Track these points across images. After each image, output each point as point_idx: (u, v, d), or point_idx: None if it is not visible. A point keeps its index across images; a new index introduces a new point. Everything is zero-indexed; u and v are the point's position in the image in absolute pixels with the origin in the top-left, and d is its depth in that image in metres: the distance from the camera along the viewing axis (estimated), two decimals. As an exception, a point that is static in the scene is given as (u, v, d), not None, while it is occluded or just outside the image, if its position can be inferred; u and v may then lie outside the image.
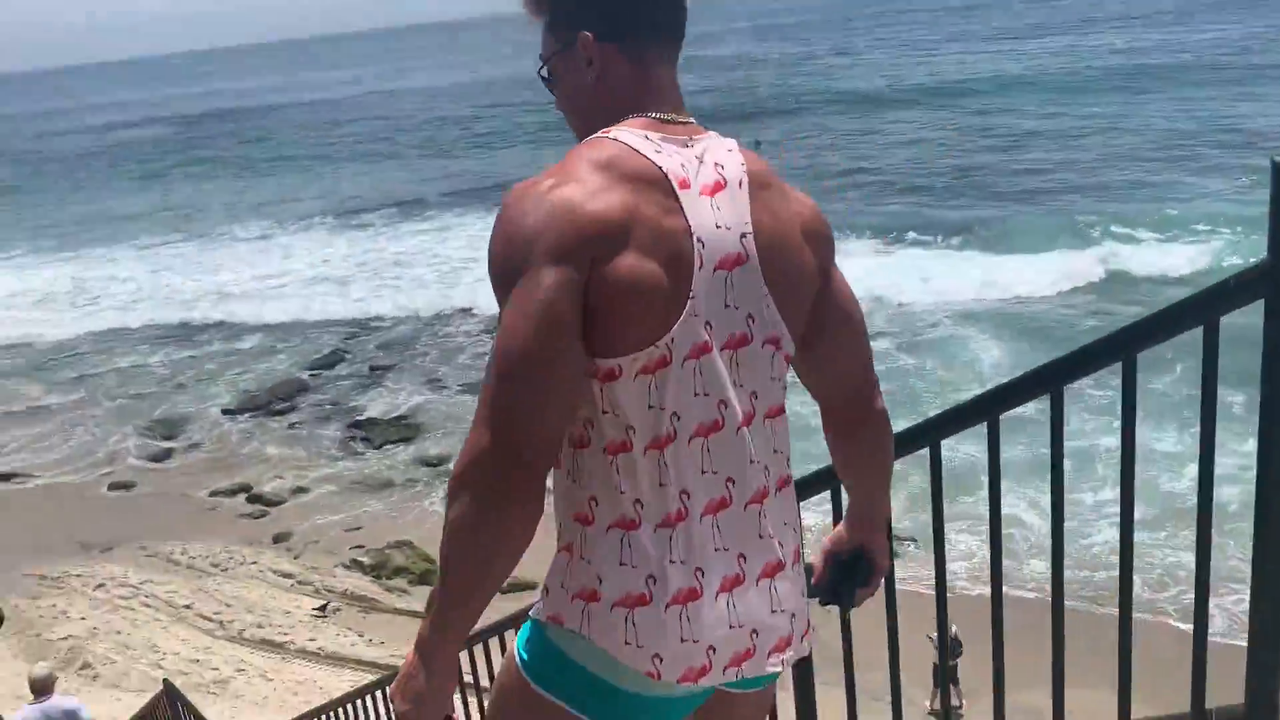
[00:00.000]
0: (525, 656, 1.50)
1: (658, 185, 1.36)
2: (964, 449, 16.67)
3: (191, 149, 78.79)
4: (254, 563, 20.92)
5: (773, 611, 1.47)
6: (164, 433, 27.43)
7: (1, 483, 24.96)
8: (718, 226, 1.38)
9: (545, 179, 1.35)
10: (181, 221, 50.80)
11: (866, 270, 30.70)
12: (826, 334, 1.52)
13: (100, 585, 19.85)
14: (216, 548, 21.20)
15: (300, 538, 21.88)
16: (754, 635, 1.44)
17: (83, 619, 18.63)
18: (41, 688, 7.80)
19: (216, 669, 17.11)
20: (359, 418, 28.13)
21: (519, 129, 67.09)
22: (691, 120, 1.48)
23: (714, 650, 1.40)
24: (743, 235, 1.40)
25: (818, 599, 1.72)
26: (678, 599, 1.37)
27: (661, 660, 1.37)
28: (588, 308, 1.31)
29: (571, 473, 1.44)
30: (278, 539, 21.85)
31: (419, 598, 19.10)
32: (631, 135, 1.40)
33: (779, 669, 1.50)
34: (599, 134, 1.41)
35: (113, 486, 24.38)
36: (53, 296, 40.10)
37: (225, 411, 28.58)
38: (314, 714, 4.49)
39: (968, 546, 14.67)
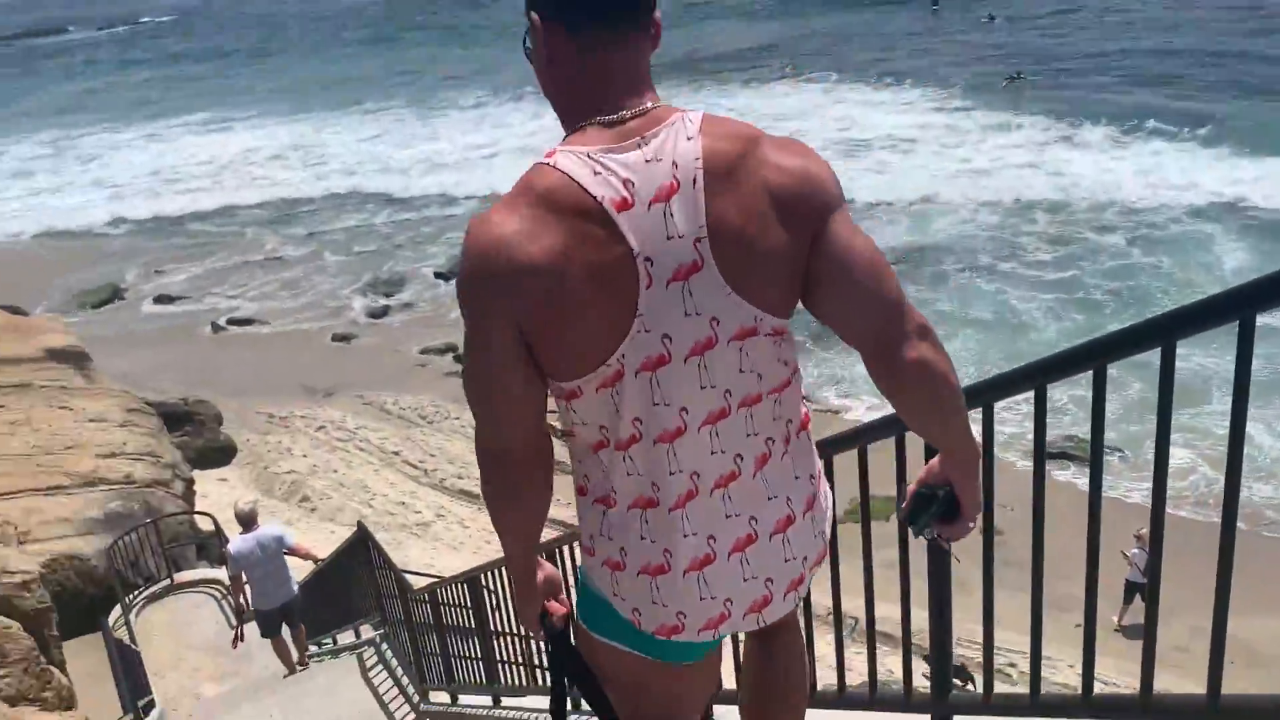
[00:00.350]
0: (578, 603, 1.74)
1: (594, 216, 1.36)
2: (1195, 358, 15.67)
3: (419, 12, 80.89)
4: (457, 418, 22.09)
5: (786, 561, 1.61)
6: (384, 290, 29.02)
7: (241, 327, 27.21)
8: (669, 238, 1.37)
9: (493, 214, 1.40)
10: (403, 88, 52.67)
11: (1096, 163, 28.57)
12: (826, 291, 1.46)
13: (321, 427, 21.50)
14: (424, 401, 22.47)
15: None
16: (769, 584, 1.60)
17: (304, 456, 20.30)
18: (247, 519, 8.39)
19: (419, 512, 18.39)
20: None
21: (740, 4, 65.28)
22: (650, 106, 1.43)
23: (731, 602, 1.59)
24: (697, 240, 1.38)
25: (903, 526, 1.79)
26: (646, 570, 1.56)
27: (686, 616, 1.58)
28: (530, 342, 1.42)
29: (571, 450, 1.60)
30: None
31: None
32: (572, 160, 1.38)
33: (794, 559, 1.63)
34: (543, 158, 1.41)
35: (335, 338, 26.10)
36: (285, 155, 42.73)
37: (437, 274, 29.81)
38: (499, 563, 4.74)
39: (1184, 462, 13.84)
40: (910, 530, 1.72)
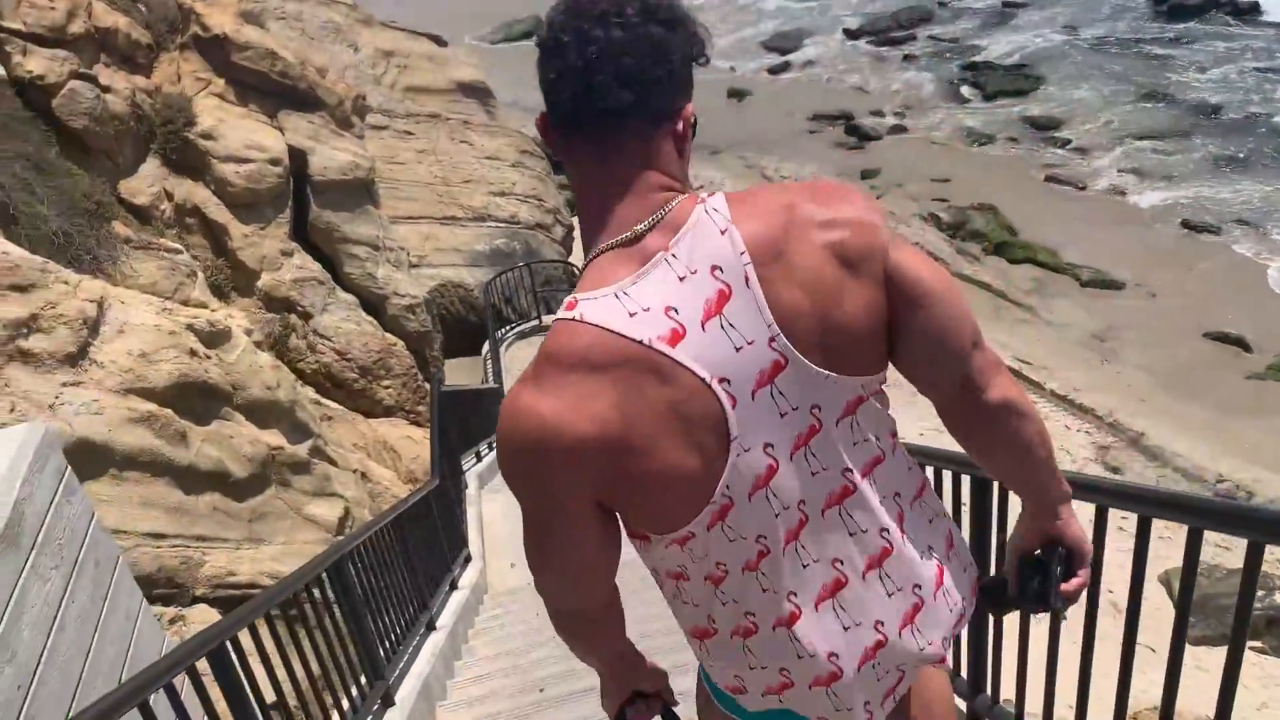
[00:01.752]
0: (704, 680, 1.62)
1: (645, 362, 1.21)
2: None
3: None
4: (838, 194, 21.29)
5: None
6: (784, 46, 27.95)
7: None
8: (739, 349, 1.23)
9: (523, 395, 1.24)
10: None
11: None
12: (905, 326, 1.30)
13: (700, 186, 21.65)
14: (807, 170, 21.81)
15: (887, 177, 21.71)
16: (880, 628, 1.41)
17: (682, 212, 20.60)
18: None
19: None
20: (976, 59, 26.25)
21: None
22: (662, 214, 1.26)
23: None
24: (771, 340, 1.24)
25: (1021, 610, 1.61)
26: (770, 689, 1.42)
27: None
28: (612, 508, 1.29)
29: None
30: (865, 175, 21.90)
31: (987, 269, 18.31)
32: (599, 309, 1.23)
33: (929, 646, 1.43)
34: (563, 311, 1.25)
35: (730, 93, 25.73)
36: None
37: (846, 32, 28.17)
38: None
39: None
40: (1048, 608, 1.48)
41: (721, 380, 1.22)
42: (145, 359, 5.25)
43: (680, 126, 1.27)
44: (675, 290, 1.22)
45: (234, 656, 2.33)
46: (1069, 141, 23.08)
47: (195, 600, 5.13)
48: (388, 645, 4.01)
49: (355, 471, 7.24)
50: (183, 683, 2.02)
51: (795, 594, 1.34)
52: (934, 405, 1.41)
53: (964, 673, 2.81)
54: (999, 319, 16.74)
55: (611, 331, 1.20)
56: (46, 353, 4.79)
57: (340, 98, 12.61)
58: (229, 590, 5.23)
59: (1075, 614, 2.09)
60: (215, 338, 5.97)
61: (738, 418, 1.24)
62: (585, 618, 1.46)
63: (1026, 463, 1.42)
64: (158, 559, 4.97)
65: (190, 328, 5.74)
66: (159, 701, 1.89)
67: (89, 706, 1.65)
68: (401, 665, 4.06)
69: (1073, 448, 13.21)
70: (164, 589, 5.04)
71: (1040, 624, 2.36)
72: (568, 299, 1.26)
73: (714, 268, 1.22)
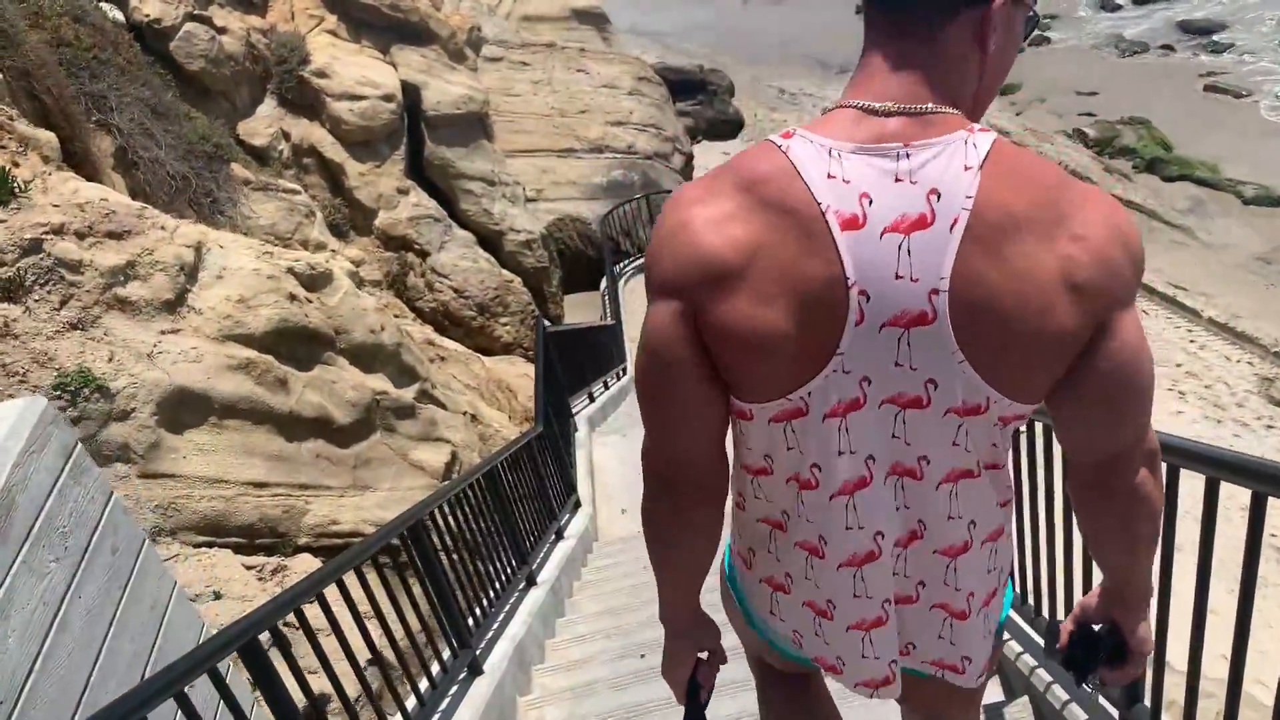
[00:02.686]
0: (725, 563, 1.59)
1: (810, 224, 1.11)
2: None
3: None
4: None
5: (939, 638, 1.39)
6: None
7: (767, -10, 26.52)
8: (898, 277, 1.11)
9: (690, 189, 1.21)
10: None
11: None
12: (1080, 394, 1.17)
13: (827, 108, 20.76)
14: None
15: (1029, 92, 20.41)
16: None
17: (807, 138, 19.85)
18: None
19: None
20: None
21: None
22: (930, 109, 1.12)
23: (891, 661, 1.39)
24: (933, 291, 1.10)
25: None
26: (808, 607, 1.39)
27: (802, 636, 1.43)
28: (706, 347, 1.19)
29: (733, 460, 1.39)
30: (1004, 90, 20.64)
31: (1138, 188, 17.05)
32: (808, 150, 1.13)
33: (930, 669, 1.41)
34: (777, 135, 1.17)
35: (859, 9, 24.58)
36: None
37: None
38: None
39: None
40: (1078, 679, 1.48)
41: (862, 292, 1.12)
42: (244, 304, 5.16)
43: (982, 28, 1.13)
44: (885, 184, 1.11)
45: (274, 643, 2.13)
46: (1231, 46, 21.18)
47: (298, 550, 5.09)
48: (481, 609, 3.82)
49: (465, 414, 7.12)
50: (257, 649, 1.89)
51: (825, 539, 1.30)
52: (1067, 464, 1.31)
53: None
54: (1152, 240, 15.60)
55: (800, 178, 1.12)
56: (144, 300, 4.73)
57: (453, 30, 12.39)
58: (332, 539, 5.16)
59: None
60: (316, 281, 5.86)
61: (854, 336, 1.14)
62: (685, 482, 1.31)
63: (1125, 552, 1.35)
64: (259, 508, 4.92)
65: (291, 271, 5.63)
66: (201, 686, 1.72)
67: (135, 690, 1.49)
68: (496, 628, 3.87)
69: (1232, 380, 12.24)
70: (266, 538, 5.00)
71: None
72: (787, 129, 1.17)
73: (933, 191, 1.10)
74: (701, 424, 1.26)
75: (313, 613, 2.56)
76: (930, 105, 1.12)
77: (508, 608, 4.13)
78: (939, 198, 1.09)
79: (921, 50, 1.14)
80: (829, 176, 1.11)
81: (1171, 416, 11.92)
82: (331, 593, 3.02)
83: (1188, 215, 16.54)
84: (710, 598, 1.46)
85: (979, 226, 1.08)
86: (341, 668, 2.85)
